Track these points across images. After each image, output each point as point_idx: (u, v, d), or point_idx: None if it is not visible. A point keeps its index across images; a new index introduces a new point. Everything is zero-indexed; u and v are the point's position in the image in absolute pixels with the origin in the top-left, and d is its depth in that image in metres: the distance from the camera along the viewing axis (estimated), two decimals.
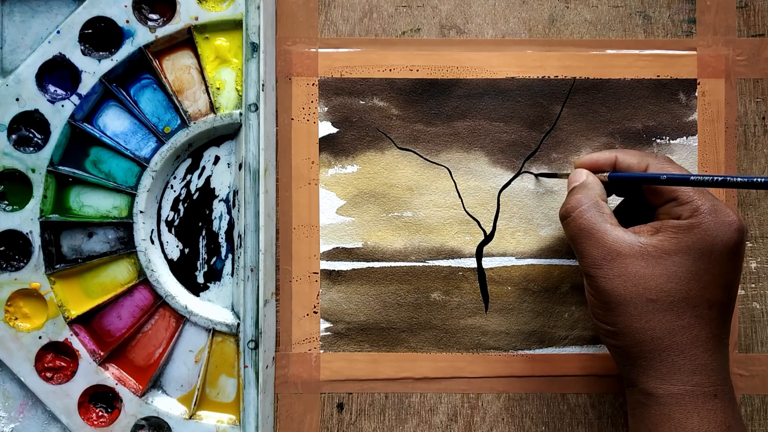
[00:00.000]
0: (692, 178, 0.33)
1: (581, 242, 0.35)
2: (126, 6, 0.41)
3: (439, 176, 0.43)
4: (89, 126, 0.42)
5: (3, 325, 0.42)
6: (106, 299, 0.42)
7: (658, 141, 0.43)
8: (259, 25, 0.40)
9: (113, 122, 0.42)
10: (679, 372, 0.33)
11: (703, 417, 0.32)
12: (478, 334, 0.43)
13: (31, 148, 0.42)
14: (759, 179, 0.31)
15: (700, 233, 0.33)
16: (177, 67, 0.42)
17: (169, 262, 0.43)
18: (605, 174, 0.37)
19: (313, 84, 0.43)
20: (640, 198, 0.37)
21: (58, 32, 0.41)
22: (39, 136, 0.42)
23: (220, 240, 0.43)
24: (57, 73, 0.42)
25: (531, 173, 0.43)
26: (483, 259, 0.43)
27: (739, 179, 0.32)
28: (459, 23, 0.43)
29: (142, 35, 0.41)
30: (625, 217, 0.38)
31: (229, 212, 0.43)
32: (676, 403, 0.33)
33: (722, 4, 0.43)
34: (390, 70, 0.43)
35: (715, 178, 0.32)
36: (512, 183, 0.43)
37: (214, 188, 0.43)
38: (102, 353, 0.42)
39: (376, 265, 0.43)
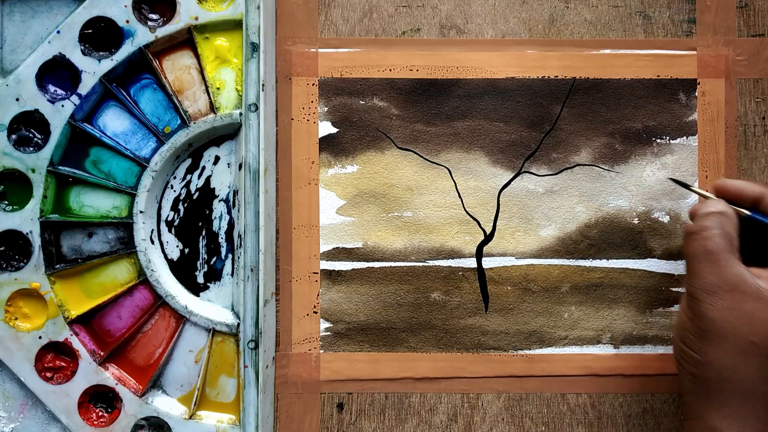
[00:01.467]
0: None
1: (701, 263, 0.34)
2: (126, 6, 0.41)
3: (439, 176, 0.43)
4: (89, 126, 0.42)
5: (3, 325, 0.42)
6: (106, 299, 0.42)
7: (658, 141, 0.43)
8: (259, 25, 0.40)
9: (113, 122, 0.42)
10: (756, 419, 0.33)
11: None
12: (478, 334, 0.43)
13: (31, 148, 0.42)
14: None
15: None
16: (177, 67, 0.42)
17: (169, 262, 0.43)
18: (746, 211, 0.36)
19: (313, 84, 0.43)
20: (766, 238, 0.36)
21: (58, 32, 0.41)
22: (39, 136, 0.42)
23: (220, 240, 0.43)
24: (57, 73, 0.42)
25: (670, 179, 0.42)
26: (483, 259, 0.43)
27: None
28: (459, 23, 0.43)
29: (142, 35, 0.41)
30: (745, 247, 0.37)
31: (229, 212, 0.43)
32: None
33: (722, 4, 0.43)
34: (390, 70, 0.43)
35: None
36: (512, 183, 0.43)
37: (214, 188, 0.43)
38: (102, 353, 0.42)
39: (376, 265, 0.43)
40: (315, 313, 0.43)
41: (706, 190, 0.38)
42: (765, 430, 0.33)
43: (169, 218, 0.43)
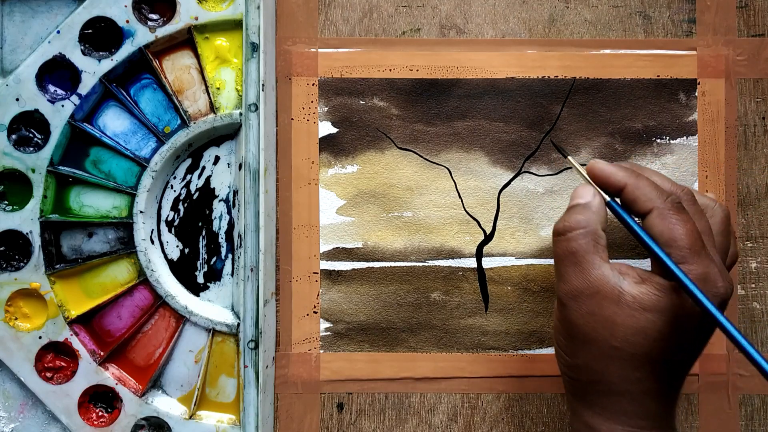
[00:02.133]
0: (692, 289, 0.30)
1: (566, 266, 0.33)
2: (126, 6, 0.41)
3: (439, 176, 0.43)
4: (89, 126, 0.42)
5: (3, 325, 0.42)
6: (106, 299, 0.42)
7: (658, 141, 0.43)
8: (259, 25, 0.40)
9: (113, 122, 0.42)
10: (624, 414, 0.33)
11: None
12: (478, 334, 0.43)
13: (31, 148, 0.42)
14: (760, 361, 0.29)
15: (681, 299, 0.31)
16: (177, 67, 0.42)
17: (169, 262, 0.43)
18: (607, 197, 0.34)
19: (313, 84, 0.43)
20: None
21: (58, 32, 0.41)
22: (39, 136, 0.42)
23: (220, 240, 0.43)
24: (57, 73, 0.42)
25: (552, 142, 0.41)
26: (483, 259, 0.43)
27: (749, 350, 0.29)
28: (459, 23, 0.43)
29: (142, 35, 0.41)
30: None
31: (229, 212, 0.43)
32: None
33: (722, 4, 0.43)
34: (390, 70, 0.43)
35: (727, 326, 0.30)
36: (512, 183, 0.43)
37: (214, 188, 0.43)
38: (102, 353, 0.42)
39: (376, 265, 0.43)
40: (315, 313, 0.43)
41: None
42: (632, 422, 0.33)
43: (169, 218, 0.43)
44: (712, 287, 0.31)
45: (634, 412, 0.33)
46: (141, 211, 0.42)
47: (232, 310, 0.43)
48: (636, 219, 0.33)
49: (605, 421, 0.33)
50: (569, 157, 0.36)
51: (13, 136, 0.41)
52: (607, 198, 0.34)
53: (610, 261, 0.33)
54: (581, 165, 0.36)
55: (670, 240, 0.31)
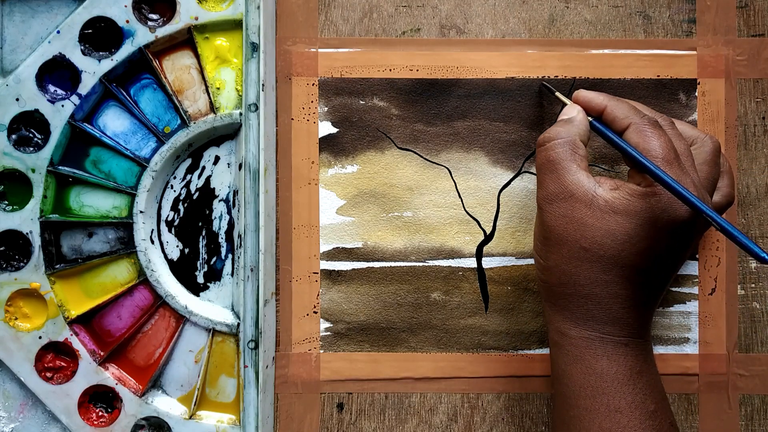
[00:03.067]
0: (662, 176, 0.32)
1: (544, 173, 0.35)
2: (126, 6, 0.41)
3: (439, 176, 0.43)
4: (89, 126, 0.42)
5: (3, 325, 0.42)
6: (106, 299, 0.42)
7: None
8: (259, 25, 0.40)
9: (113, 122, 0.42)
10: (592, 319, 0.34)
11: (612, 361, 0.34)
12: (478, 334, 0.43)
13: (31, 148, 0.42)
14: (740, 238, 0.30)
15: (652, 203, 0.33)
16: (177, 67, 0.42)
17: (169, 262, 0.43)
18: (590, 118, 0.37)
19: (313, 84, 0.43)
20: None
21: (58, 32, 0.41)
22: (39, 136, 0.42)
23: (220, 240, 0.43)
24: (57, 73, 0.42)
25: (543, 84, 0.42)
26: (483, 259, 0.43)
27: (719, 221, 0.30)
28: (459, 23, 0.43)
29: (142, 35, 0.41)
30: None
31: (229, 212, 0.43)
32: (586, 346, 0.34)
33: (722, 4, 0.43)
34: (390, 70, 0.43)
35: (692, 199, 0.31)
36: (512, 183, 0.43)
37: (214, 188, 0.43)
38: (102, 353, 0.42)
39: (376, 265, 0.43)
40: (315, 313, 0.43)
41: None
42: (599, 327, 0.34)
43: (169, 218, 0.43)
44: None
45: (602, 317, 0.34)
46: (141, 211, 0.42)
47: (232, 310, 0.43)
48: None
49: (575, 326, 0.35)
50: (557, 93, 0.40)
51: (13, 136, 0.41)
52: (590, 119, 0.37)
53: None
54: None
55: (644, 151, 0.33)
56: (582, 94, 0.37)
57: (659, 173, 0.32)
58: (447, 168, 0.43)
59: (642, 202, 0.33)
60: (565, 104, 0.38)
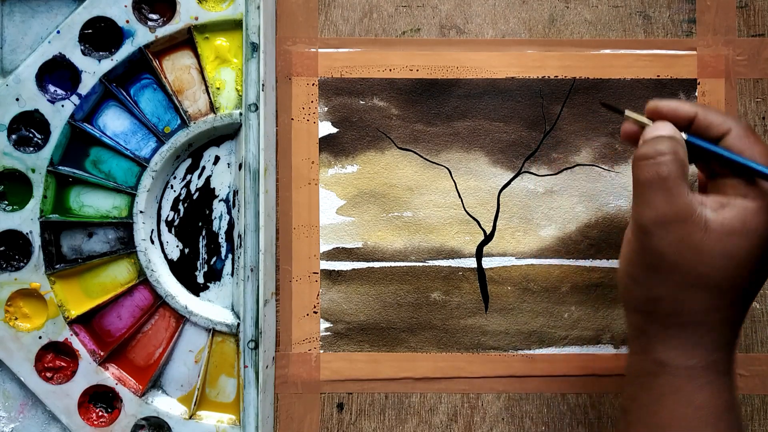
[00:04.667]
0: None
1: (653, 192, 0.31)
2: (126, 6, 0.41)
3: (439, 176, 0.43)
4: (89, 126, 0.42)
5: (3, 325, 0.42)
6: (106, 299, 0.42)
7: None
8: (259, 25, 0.40)
9: (113, 122, 0.42)
10: (703, 348, 0.32)
11: (714, 392, 0.32)
12: (478, 334, 0.43)
13: (31, 148, 0.42)
14: None
15: (766, 220, 0.31)
16: (177, 67, 0.42)
17: (169, 262, 0.43)
18: (683, 135, 0.33)
19: (313, 84, 0.43)
20: (705, 160, 0.34)
21: (58, 32, 0.41)
22: (39, 136, 0.42)
23: (220, 240, 0.43)
24: (57, 73, 0.42)
25: (602, 104, 0.38)
26: (483, 259, 0.43)
27: None
28: (459, 23, 0.43)
29: (142, 35, 0.41)
30: None
31: (229, 212, 0.43)
32: (689, 376, 0.32)
33: (722, 4, 0.43)
34: (390, 70, 0.43)
35: None
36: (512, 183, 0.43)
37: (214, 188, 0.43)
38: (102, 353, 0.42)
39: (376, 265, 0.43)
40: (315, 313, 0.43)
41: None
42: (707, 356, 0.32)
43: (169, 218, 0.43)
44: None
45: (711, 345, 0.32)
46: (141, 211, 0.42)
47: (232, 310, 0.43)
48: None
49: (680, 356, 0.32)
50: (628, 112, 0.35)
51: (13, 136, 0.41)
52: (684, 135, 0.33)
53: None
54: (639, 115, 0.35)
55: (751, 158, 0.31)
56: (663, 104, 0.34)
57: None
58: (447, 168, 0.43)
59: (758, 218, 0.31)
60: (644, 124, 0.34)
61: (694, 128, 0.33)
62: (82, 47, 0.41)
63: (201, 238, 0.43)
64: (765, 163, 0.31)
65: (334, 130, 0.43)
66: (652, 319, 0.33)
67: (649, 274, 0.32)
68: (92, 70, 0.41)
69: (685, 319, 0.32)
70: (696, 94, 0.43)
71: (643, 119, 0.34)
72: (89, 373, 0.42)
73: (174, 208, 0.43)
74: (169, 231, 0.43)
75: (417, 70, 0.43)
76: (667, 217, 0.31)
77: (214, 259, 0.43)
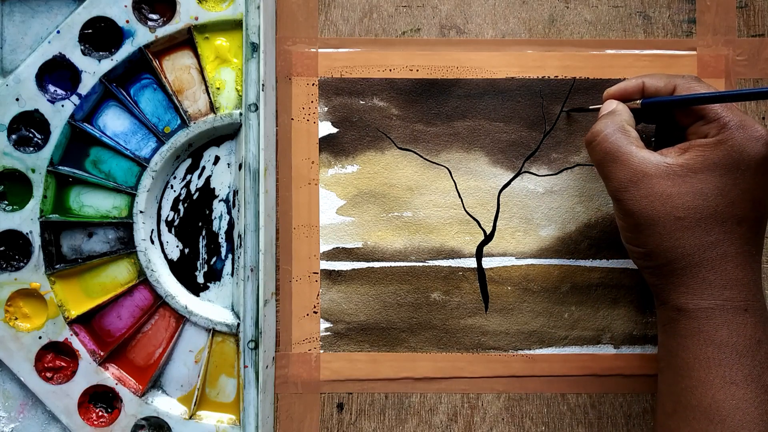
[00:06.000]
0: (721, 94, 0.33)
1: (607, 165, 0.35)
2: (126, 6, 0.41)
3: (439, 176, 0.43)
4: (89, 126, 0.42)
5: (3, 325, 0.42)
6: (106, 299, 0.42)
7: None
8: (259, 25, 0.40)
9: (113, 122, 0.42)
10: (709, 287, 0.33)
11: (732, 330, 0.33)
12: (478, 334, 0.43)
13: (31, 148, 0.42)
14: None
15: (727, 149, 0.33)
16: (177, 67, 0.42)
17: (169, 262, 0.43)
18: (637, 101, 0.37)
19: (313, 84, 0.43)
20: (670, 121, 0.37)
21: (58, 32, 0.41)
22: (39, 136, 0.42)
23: (220, 240, 0.43)
24: (57, 73, 0.42)
25: (565, 111, 0.43)
26: (483, 259, 0.43)
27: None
28: (459, 23, 0.43)
29: (142, 35, 0.41)
30: (658, 144, 0.39)
31: (229, 212, 0.43)
32: (706, 317, 0.33)
33: (722, 4, 0.43)
34: (390, 70, 0.43)
35: (745, 90, 0.32)
36: (512, 183, 0.43)
37: (214, 188, 0.43)
38: (102, 353, 0.42)
39: (376, 265, 0.43)
40: (315, 313, 0.43)
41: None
42: (718, 294, 0.33)
43: (169, 218, 0.43)
44: (752, 131, 0.33)
45: (718, 282, 0.33)
46: (141, 211, 0.42)
47: (232, 310, 0.43)
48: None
49: (692, 299, 0.34)
50: (591, 107, 0.41)
51: (13, 136, 0.41)
52: (638, 102, 0.37)
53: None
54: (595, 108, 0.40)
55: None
56: (611, 88, 0.38)
57: (730, 92, 0.33)
58: (447, 168, 0.43)
59: (717, 151, 0.33)
60: (598, 107, 0.39)
61: (645, 95, 0.37)
62: (82, 47, 0.41)
63: (201, 238, 0.43)
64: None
65: (334, 130, 0.43)
66: (658, 272, 0.35)
67: (636, 234, 0.35)
68: (92, 70, 0.41)
69: (682, 263, 0.34)
70: None
71: (598, 106, 0.39)
72: (89, 373, 0.42)
73: (174, 208, 0.43)
74: (169, 231, 0.43)
75: (417, 70, 0.43)
76: (626, 180, 0.34)
77: (214, 259, 0.43)
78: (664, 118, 0.38)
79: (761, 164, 0.33)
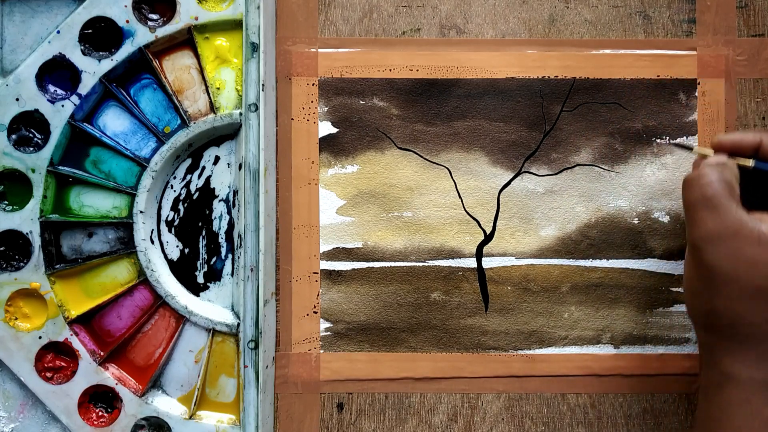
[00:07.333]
0: None
1: (700, 211, 0.34)
2: (126, 6, 0.41)
3: (439, 176, 0.43)
4: (89, 126, 0.42)
5: (3, 325, 0.42)
6: (106, 299, 0.42)
7: (658, 141, 0.43)
8: (259, 25, 0.40)
9: (113, 122, 0.42)
10: (765, 359, 0.33)
11: None
12: (478, 334, 0.43)
13: (31, 148, 0.42)
14: None
15: None
16: (177, 67, 0.42)
17: (169, 262, 0.43)
18: (749, 162, 0.35)
19: (313, 84, 0.43)
20: None
21: (58, 32, 0.41)
22: (39, 136, 0.42)
23: (220, 240, 0.43)
24: (57, 73, 0.42)
25: (673, 144, 0.42)
26: (483, 259, 0.43)
27: None
28: (459, 23, 0.43)
29: (142, 35, 0.41)
30: (745, 197, 0.37)
31: (229, 212, 0.43)
32: (755, 389, 0.33)
33: (722, 4, 0.43)
34: (390, 70, 0.43)
35: None
36: (512, 183, 0.43)
37: (214, 188, 0.43)
38: (102, 353, 0.42)
39: (376, 265, 0.43)
40: (315, 313, 0.43)
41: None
42: None
43: (169, 218, 0.43)
44: None
45: None
46: (141, 211, 0.42)
47: (232, 310, 0.43)
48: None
49: (746, 369, 0.33)
50: (696, 147, 0.38)
51: (13, 136, 0.41)
52: (750, 162, 0.35)
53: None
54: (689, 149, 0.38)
55: None
56: (725, 137, 0.36)
57: None
58: (447, 168, 0.43)
59: None
60: (707, 155, 0.37)
61: (760, 154, 0.35)
62: (82, 47, 0.41)
63: (201, 238, 0.43)
64: None
65: (334, 130, 0.43)
66: (716, 333, 0.34)
67: (706, 289, 0.34)
68: (92, 70, 0.41)
69: (747, 331, 0.33)
70: (696, 93, 0.43)
71: (708, 151, 0.37)
72: (89, 373, 0.42)
73: (174, 208, 0.43)
74: (169, 231, 0.43)
75: (417, 70, 0.43)
76: (715, 233, 0.33)
77: (214, 259, 0.43)
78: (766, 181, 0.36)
79: None
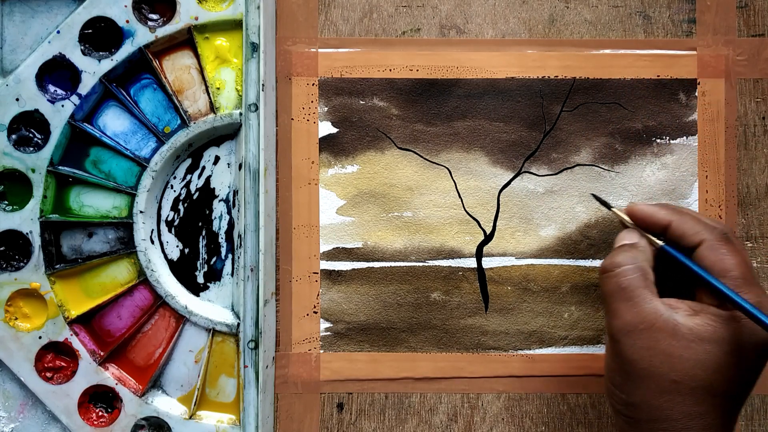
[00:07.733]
0: (740, 300, 0.31)
1: (616, 303, 0.33)
2: (126, 6, 0.41)
3: (439, 176, 0.43)
4: (89, 126, 0.42)
5: (3, 325, 0.42)
6: (106, 299, 0.42)
7: (658, 141, 0.43)
8: (259, 25, 0.40)
9: (113, 122, 0.42)
10: None
11: None
12: (478, 334, 0.43)
13: (31, 148, 0.42)
14: None
15: (739, 328, 0.31)
16: (177, 67, 0.42)
17: (169, 262, 0.43)
18: (659, 242, 0.35)
19: (313, 84, 0.43)
20: (685, 270, 0.34)
21: (58, 32, 0.41)
22: (39, 136, 0.42)
23: (220, 240, 0.43)
24: (57, 73, 0.42)
25: (593, 196, 0.41)
26: (483, 259, 0.43)
27: None
28: (459, 23, 0.43)
29: (142, 35, 0.41)
30: (660, 274, 0.36)
31: (229, 212, 0.43)
32: None
33: (722, 4, 0.43)
34: (390, 70, 0.43)
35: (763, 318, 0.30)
36: (512, 183, 0.43)
37: (214, 188, 0.43)
38: (102, 353, 0.42)
39: (376, 265, 0.43)
40: (315, 313, 0.43)
41: (625, 212, 0.37)
42: None
43: (169, 218, 0.43)
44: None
45: None
46: (141, 211, 0.42)
47: (232, 310, 0.43)
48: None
49: None
50: (613, 209, 0.38)
51: (13, 136, 0.41)
52: (659, 242, 0.35)
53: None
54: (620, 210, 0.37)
55: (723, 270, 0.32)
56: (638, 209, 0.35)
57: (743, 304, 0.31)
58: (447, 168, 0.43)
59: (728, 328, 0.31)
60: (623, 222, 0.36)
61: (669, 235, 0.34)
62: (82, 47, 0.41)
63: (201, 238, 0.43)
64: (738, 273, 0.32)
65: (334, 130, 0.43)
66: (635, 425, 0.33)
67: (625, 381, 0.33)
68: (92, 70, 0.41)
69: (666, 426, 0.32)
70: (696, 93, 0.43)
71: (625, 218, 0.36)
72: (89, 373, 0.42)
73: (174, 208, 0.43)
74: (169, 231, 0.43)
75: (417, 70, 0.43)
76: (631, 325, 0.32)
77: (214, 259, 0.43)
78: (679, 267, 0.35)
79: (765, 350, 0.32)
